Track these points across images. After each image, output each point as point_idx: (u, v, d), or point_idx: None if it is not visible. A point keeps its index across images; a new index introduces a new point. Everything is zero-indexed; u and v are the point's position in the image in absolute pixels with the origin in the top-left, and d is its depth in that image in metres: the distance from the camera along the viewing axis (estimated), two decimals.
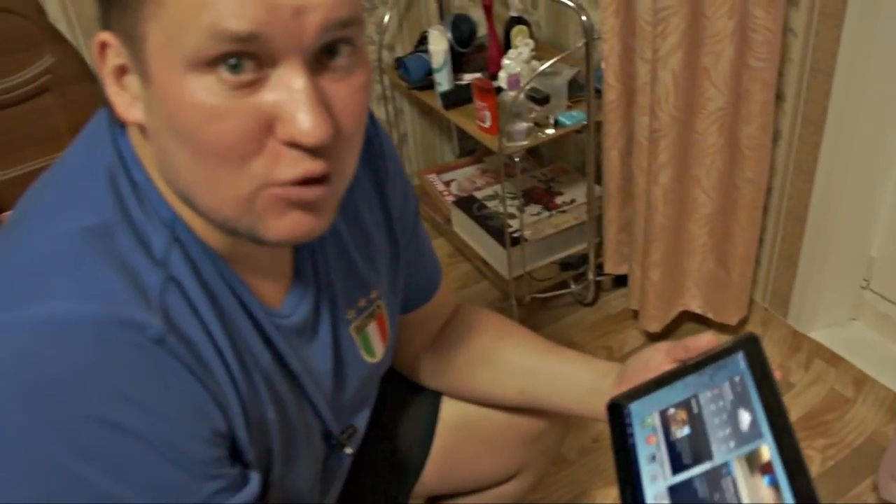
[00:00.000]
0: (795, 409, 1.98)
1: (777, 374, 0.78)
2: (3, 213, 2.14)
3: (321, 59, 0.65)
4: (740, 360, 0.81)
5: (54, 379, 0.63)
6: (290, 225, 0.69)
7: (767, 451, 0.72)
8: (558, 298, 2.44)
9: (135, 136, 0.74)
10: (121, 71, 0.68)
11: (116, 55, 0.67)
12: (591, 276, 2.33)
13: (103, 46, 0.68)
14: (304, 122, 0.63)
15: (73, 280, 0.66)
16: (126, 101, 0.69)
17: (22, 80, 2.11)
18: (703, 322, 2.19)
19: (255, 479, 0.78)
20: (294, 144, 0.64)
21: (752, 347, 0.81)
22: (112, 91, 0.69)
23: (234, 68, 0.61)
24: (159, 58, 0.63)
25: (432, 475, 1.25)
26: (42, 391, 0.63)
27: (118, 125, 0.75)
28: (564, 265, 2.37)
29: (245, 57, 0.61)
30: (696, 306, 2.14)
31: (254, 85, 0.63)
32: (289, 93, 0.63)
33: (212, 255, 0.76)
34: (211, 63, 0.61)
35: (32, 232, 0.71)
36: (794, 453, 0.71)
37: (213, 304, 0.74)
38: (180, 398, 0.69)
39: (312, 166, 0.66)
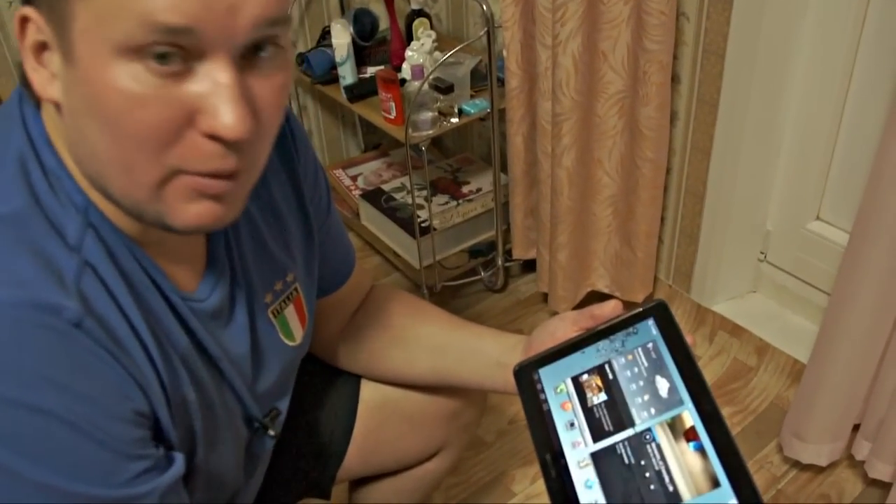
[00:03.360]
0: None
1: (689, 339, 0.79)
2: None
3: (246, 55, 0.66)
4: (651, 326, 0.82)
5: None
6: (197, 213, 0.70)
7: (689, 417, 0.74)
8: (469, 286, 2.47)
9: (48, 116, 0.73)
10: (41, 47, 0.68)
11: (37, 31, 0.67)
12: (499, 262, 2.36)
13: (24, 21, 0.67)
14: (228, 116, 0.64)
15: None
16: (44, 78, 0.68)
17: None
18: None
19: (179, 459, 0.78)
20: (214, 137, 0.65)
21: (662, 314, 0.82)
22: (30, 67, 0.69)
23: (162, 58, 0.62)
24: (86, 39, 0.62)
25: (355, 458, 1.25)
26: None
27: (31, 105, 0.74)
28: (473, 253, 2.40)
29: (174, 48, 0.62)
30: (603, 286, 2.20)
31: (180, 75, 0.63)
32: (214, 86, 0.64)
33: (125, 239, 0.76)
34: (139, 50, 0.61)
35: None
36: (716, 419, 0.72)
37: (129, 287, 0.74)
38: (100, 379, 0.69)
39: (224, 163, 0.68)
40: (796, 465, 1.82)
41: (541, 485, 1.77)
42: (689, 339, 0.80)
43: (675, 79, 1.86)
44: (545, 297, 2.31)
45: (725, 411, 1.95)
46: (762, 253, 2.09)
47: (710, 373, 2.08)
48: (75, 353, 0.67)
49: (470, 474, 1.90)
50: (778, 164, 1.94)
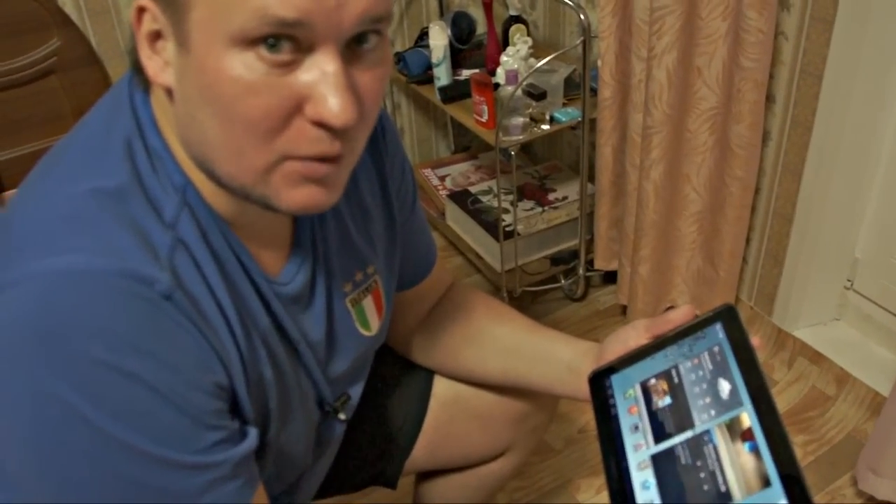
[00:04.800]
0: (779, 408, 2.02)
1: (755, 342, 0.79)
2: (4, 192, 2.16)
3: (351, 46, 0.70)
4: (718, 330, 0.82)
5: (68, 327, 0.66)
6: (303, 196, 0.74)
7: (747, 418, 0.73)
8: (548, 293, 2.48)
9: (157, 101, 0.77)
10: (155, 36, 0.72)
11: (153, 20, 0.71)
12: (581, 271, 2.37)
13: (141, 11, 0.71)
14: (335, 104, 0.67)
15: (88, 237, 0.70)
16: (158, 65, 0.72)
17: (29, 61, 2.14)
18: None
19: (252, 433, 0.81)
20: (320, 124, 0.69)
21: (729, 317, 0.82)
22: (145, 54, 0.73)
23: (273, 47, 0.65)
24: (202, 30, 0.66)
25: (423, 450, 1.27)
26: (56, 338, 0.65)
27: (139, 90, 0.78)
28: (555, 260, 2.41)
29: (285, 39, 0.65)
30: (683, 303, 2.18)
31: (290, 65, 0.67)
32: (322, 76, 0.67)
33: (218, 220, 0.79)
34: (253, 41, 0.65)
35: (51, 191, 0.74)
36: (774, 420, 0.72)
37: (219, 266, 0.78)
38: (186, 350, 0.72)
39: (331, 147, 0.71)
40: (871, 500, 1.77)
41: (605, 496, 1.77)
42: (755, 341, 0.80)
43: (769, 98, 1.84)
44: (624, 310, 2.31)
45: (799, 440, 1.92)
46: (849, 280, 2.05)
47: (787, 399, 2.05)
48: (164, 323, 0.71)
49: (536, 479, 1.90)
50: (871, 190, 1.90)
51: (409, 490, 1.49)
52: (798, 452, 1.88)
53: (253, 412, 0.83)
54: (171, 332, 0.71)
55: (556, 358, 1.11)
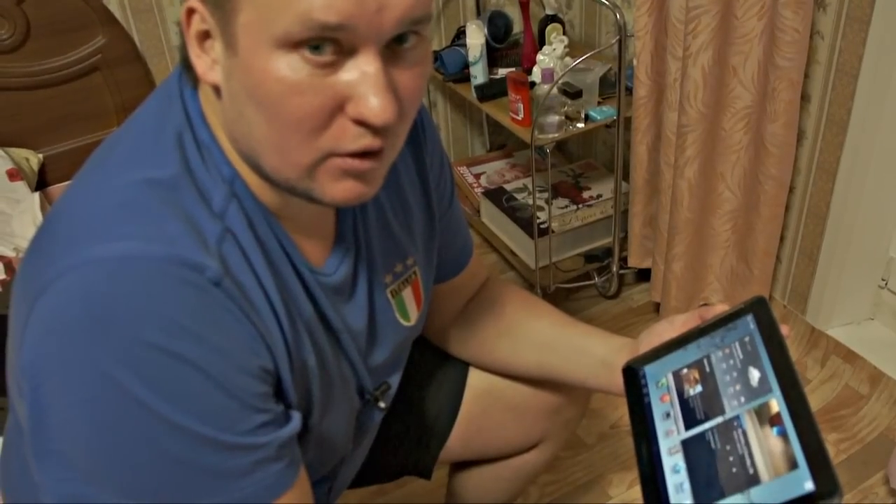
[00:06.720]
0: (811, 403, 2.02)
1: (784, 331, 0.82)
2: (48, 186, 2.21)
3: (391, 45, 0.72)
4: (749, 321, 0.85)
5: (121, 310, 0.68)
6: (344, 189, 0.77)
7: (776, 403, 0.76)
8: (582, 290, 2.49)
9: (205, 96, 0.80)
10: (204, 35, 0.75)
11: (202, 21, 0.74)
12: (614, 269, 2.38)
13: (190, 12, 0.74)
14: (375, 103, 0.70)
15: (142, 225, 0.72)
16: (206, 63, 0.76)
17: (74, 58, 2.19)
18: None
19: (296, 417, 0.84)
20: (361, 122, 0.72)
21: (760, 308, 0.85)
22: (194, 53, 0.76)
23: (317, 49, 0.68)
24: (248, 32, 0.69)
25: (458, 440, 1.30)
26: (109, 321, 0.68)
27: (189, 85, 0.82)
28: (589, 258, 2.42)
29: (328, 41, 0.68)
30: (716, 300, 2.19)
31: (332, 66, 0.70)
32: (363, 76, 0.70)
33: (264, 211, 0.82)
34: (297, 44, 0.68)
35: (106, 180, 0.77)
36: (801, 405, 0.74)
37: (265, 255, 0.81)
38: (233, 335, 0.75)
39: (373, 142, 0.74)
40: None
41: (637, 491, 1.79)
42: (784, 329, 0.82)
43: (804, 97, 1.85)
44: (657, 308, 2.32)
45: (832, 438, 1.93)
46: (883, 280, 2.05)
47: (820, 397, 2.05)
48: (214, 309, 0.73)
49: (567, 474, 1.92)
50: None
51: (443, 481, 1.52)
52: (830, 450, 1.89)
53: (296, 397, 0.86)
54: (221, 317, 0.74)
55: (591, 352, 1.14)
